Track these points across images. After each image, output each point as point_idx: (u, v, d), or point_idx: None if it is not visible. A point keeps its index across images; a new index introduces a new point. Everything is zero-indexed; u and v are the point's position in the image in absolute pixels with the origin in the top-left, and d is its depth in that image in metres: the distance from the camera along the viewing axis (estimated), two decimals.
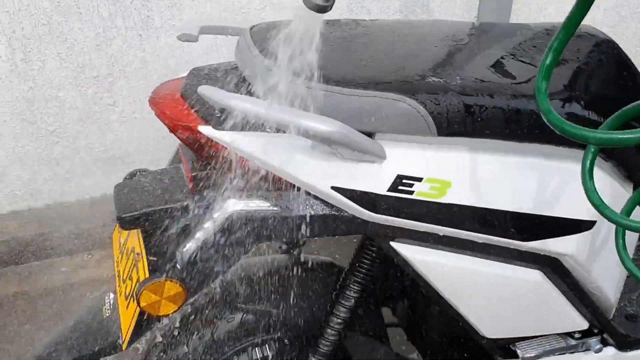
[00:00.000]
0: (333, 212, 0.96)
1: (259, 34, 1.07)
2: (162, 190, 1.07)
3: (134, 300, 1.03)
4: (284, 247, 1.37)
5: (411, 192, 0.95)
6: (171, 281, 0.96)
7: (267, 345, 1.31)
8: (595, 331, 1.22)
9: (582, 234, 1.03)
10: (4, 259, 2.30)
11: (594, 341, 1.22)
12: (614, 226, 1.08)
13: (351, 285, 1.13)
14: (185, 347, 1.24)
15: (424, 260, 1.01)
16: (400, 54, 1.06)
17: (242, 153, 0.94)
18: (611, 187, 1.07)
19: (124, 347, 1.04)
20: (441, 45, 1.11)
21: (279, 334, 1.29)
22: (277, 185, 0.97)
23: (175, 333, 1.26)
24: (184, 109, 1.00)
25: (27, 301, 2.11)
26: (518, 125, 0.97)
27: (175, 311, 1.00)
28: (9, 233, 2.30)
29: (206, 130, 0.94)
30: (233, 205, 0.97)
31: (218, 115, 0.95)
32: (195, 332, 1.24)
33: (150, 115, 2.38)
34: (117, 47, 2.22)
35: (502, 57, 1.07)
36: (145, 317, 1.01)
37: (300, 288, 1.25)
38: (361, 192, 0.94)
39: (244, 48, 1.03)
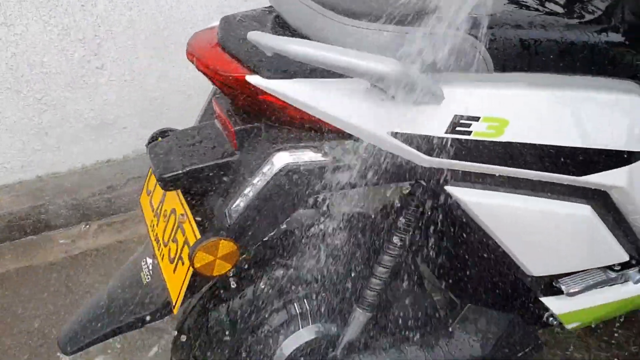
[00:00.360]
0: (388, 159, 0.94)
1: None
2: (202, 148, 1.02)
3: (182, 263, 1.00)
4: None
5: (469, 133, 0.92)
6: (225, 240, 0.93)
7: (305, 300, 1.30)
8: (634, 262, 1.24)
9: (632, 165, 1.03)
10: (1, 234, 2.22)
11: (633, 272, 1.24)
12: None
13: (397, 234, 1.12)
14: (224, 307, 1.22)
15: (479, 202, 1.00)
16: None
17: (293, 102, 0.89)
18: None
19: (175, 310, 1.01)
20: None
21: (316, 288, 1.28)
22: (329, 135, 0.94)
23: (214, 292, 1.24)
24: (226, 59, 0.95)
25: (31, 275, 2.05)
26: (571, 58, 0.95)
27: (229, 270, 0.97)
28: (2, 208, 2.21)
29: (255, 79, 0.89)
30: (283, 158, 0.93)
31: (265, 62, 0.90)
32: (235, 291, 1.21)
33: (140, 77, 2.30)
34: (103, 6, 2.12)
35: None
36: (198, 278, 0.98)
37: (335, 240, 1.23)
38: (419, 135, 0.91)
39: None
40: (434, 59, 0.89)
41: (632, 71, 1.01)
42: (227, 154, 1.00)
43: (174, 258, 1.04)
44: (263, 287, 1.22)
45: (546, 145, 0.96)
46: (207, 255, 0.93)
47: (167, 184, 0.98)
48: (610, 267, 1.23)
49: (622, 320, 1.73)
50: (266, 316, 1.28)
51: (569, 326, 1.34)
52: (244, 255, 0.99)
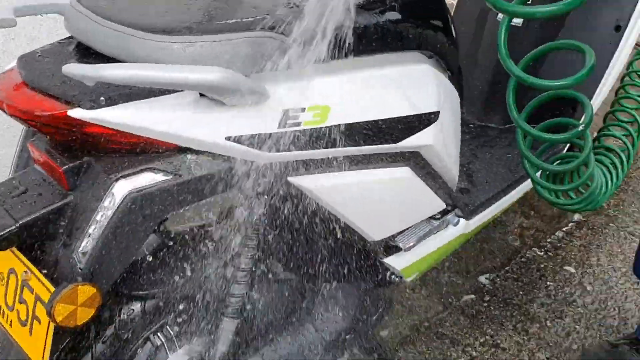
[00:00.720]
0: (229, 165, 0.96)
1: (88, 1, 0.99)
2: (30, 197, 0.96)
3: (39, 322, 0.93)
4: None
5: (299, 124, 0.98)
6: (82, 285, 0.88)
7: (167, 327, 1.27)
8: (449, 209, 1.41)
9: (434, 124, 1.18)
10: None
11: (450, 217, 1.41)
12: (452, 109, 1.25)
13: (251, 235, 1.15)
14: (90, 355, 1.15)
15: (319, 185, 1.06)
16: None
17: (124, 127, 0.88)
18: (446, 81, 1.23)
19: None
20: None
21: (177, 311, 1.26)
22: (166, 154, 0.94)
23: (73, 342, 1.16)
24: (39, 97, 0.89)
25: None
26: (367, 40, 1.05)
27: (93, 315, 0.92)
28: None
29: (78, 113, 0.86)
30: (124, 187, 0.91)
31: (84, 94, 0.87)
32: (97, 334, 1.15)
33: None
34: None
35: None
36: (61, 332, 0.92)
37: (186, 260, 1.22)
38: (255, 135, 0.95)
39: (79, 16, 0.95)
40: (250, 63, 0.93)
41: (417, 43, 1.15)
42: (60, 196, 0.94)
43: (26, 320, 0.96)
44: (120, 326, 1.17)
45: (364, 122, 1.06)
46: (67, 305, 0.88)
47: (1, 243, 0.90)
48: (432, 217, 1.38)
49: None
50: (131, 355, 1.23)
51: (409, 279, 1.49)
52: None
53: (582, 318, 1.79)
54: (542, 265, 1.98)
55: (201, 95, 0.92)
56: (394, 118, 1.09)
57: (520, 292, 1.88)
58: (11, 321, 0.99)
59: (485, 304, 1.85)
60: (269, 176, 1.01)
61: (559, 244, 2.06)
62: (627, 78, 2.14)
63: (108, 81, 0.81)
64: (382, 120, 1.08)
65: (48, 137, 0.95)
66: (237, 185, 0.99)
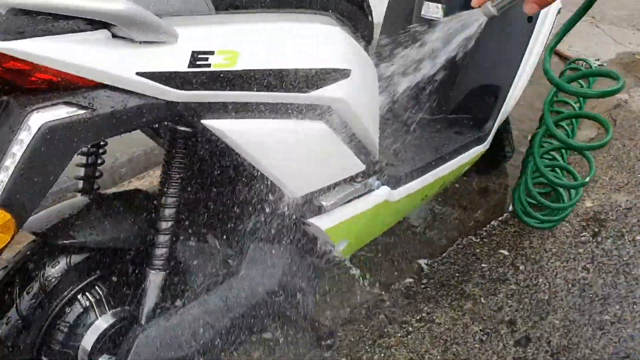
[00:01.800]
0: (143, 101, 1.02)
1: None
2: None
3: None
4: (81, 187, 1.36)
5: (208, 65, 1.05)
6: None
7: (96, 286, 1.30)
8: (371, 172, 1.48)
9: (345, 80, 1.26)
10: None
11: (372, 180, 1.48)
12: (365, 72, 1.34)
13: (172, 182, 1.20)
14: (15, 311, 1.17)
15: (233, 129, 1.12)
16: None
17: (40, 60, 0.93)
18: (357, 44, 1.32)
19: None
20: None
21: (100, 273, 1.29)
22: (81, 89, 0.99)
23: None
24: None
25: None
26: None
27: (8, 244, 0.96)
28: None
29: None
30: (39, 119, 0.96)
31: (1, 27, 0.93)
32: (22, 289, 1.17)
33: None
34: None
35: None
36: None
37: (114, 219, 1.26)
38: (165, 72, 1.01)
39: None
40: (161, 5, 1.01)
41: (326, 5, 1.24)
42: None
43: None
44: (45, 281, 1.20)
45: (274, 69, 1.13)
46: None
47: None
48: (354, 180, 1.45)
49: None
50: (60, 314, 1.25)
51: (338, 247, 1.54)
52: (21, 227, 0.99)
53: (514, 294, 1.86)
54: (478, 250, 2.05)
55: (113, 36, 0.99)
56: (303, 69, 1.17)
57: (457, 275, 1.94)
58: None
59: (423, 286, 1.90)
60: (184, 116, 1.08)
61: (494, 232, 2.14)
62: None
63: (18, 6, 0.88)
64: (291, 69, 1.15)
65: None
66: (151, 122, 1.05)
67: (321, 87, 1.21)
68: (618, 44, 3.55)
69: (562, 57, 3.26)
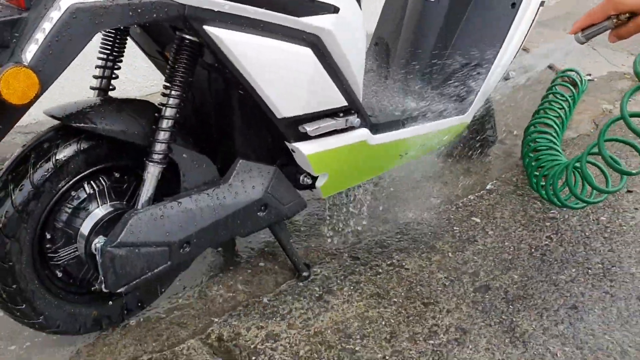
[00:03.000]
0: None
1: None
2: None
3: None
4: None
5: None
6: (25, 68, 1.10)
7: (101, 178, 1.48)
8: (352, 112, 1.66)
9: (332, 15, 1.44)
10: None
11: (353, 118, 1.65)
12: (353, 14, 1.52)
13: (174, 85, 1.38)
14: (28, 180, 1.34)
15: (230, 38, 1.31)
16: None
17: None
18: None
19: None
20: None
21: (106, 165, 1.46)
22: None
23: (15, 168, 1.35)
24: None
25: None
26: None
27: (32, 101, 1.14)
28: None
29: None
30: (68, 1, 1.15)
31: None
32: (36, 163, 1.35)
33: None
34: None
35: None
36: (5, 109, 1.13)
37: (123, 115, 1.43)
38: None
39: None
40: None
41: None
42: (17, 12, 1.18)
43: None
44: (58, 160, 1.37)
45: None
46: (12, 81, 1.09)
47: None
48: (336, 115, 1.63)
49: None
50: (66, 196, 1.43)
51: (319, 181, 1.71)
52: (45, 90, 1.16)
53: (480, 252, 2.01)
54: (452, 217, 2.21)
55: None
56: None
57: (430, 233, 2.10)
58: None
59: (397, 240, 2.06)
60: (189, 20, 1.26)
61: (469, 203, 2.30)
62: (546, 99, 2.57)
63: None
64: None
65: None
66: (162, 20, 1.24)
67: (310, 15, 1.40)
68: (611, 65, 3.74)
69: (554, 70, 3.45)
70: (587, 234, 2.13)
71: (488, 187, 2.42)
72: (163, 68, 1.66)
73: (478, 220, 2.20)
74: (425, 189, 2.38)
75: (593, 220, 2.21)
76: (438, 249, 2.02)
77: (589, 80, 3.45)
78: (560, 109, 2.56)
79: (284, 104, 1.48)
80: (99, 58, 1.53)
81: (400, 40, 2.25)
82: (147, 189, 1.42)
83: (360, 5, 1.59)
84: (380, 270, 1.90)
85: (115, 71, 1.55)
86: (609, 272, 1.92)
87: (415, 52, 2.21)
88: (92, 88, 1.56)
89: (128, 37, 1.59)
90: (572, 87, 2.87)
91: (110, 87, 1.56)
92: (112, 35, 1.53)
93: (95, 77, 1.55)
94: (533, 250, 2.03)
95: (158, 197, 1.45)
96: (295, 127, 1.55)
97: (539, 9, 2.18)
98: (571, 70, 3.07)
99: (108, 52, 1.52)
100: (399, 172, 2.46)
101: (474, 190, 2.40)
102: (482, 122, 2.47)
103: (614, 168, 1.88)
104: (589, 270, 1.93)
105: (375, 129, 1.76)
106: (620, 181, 2.09)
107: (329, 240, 2.03)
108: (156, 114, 1.44)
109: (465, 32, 2.14)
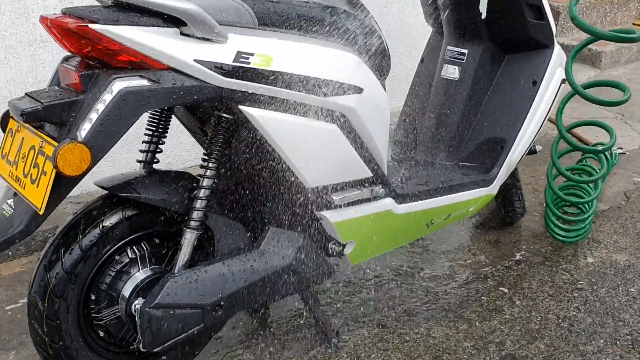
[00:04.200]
0: (196, 82, 1.36)
1: None
2: (53, 93, 1.35)
3: (45, 174, 1.29)
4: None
5: (248, 62, 1.40)
6: (80, 144, 1.25)
7: (142, 243, 1.60)
8: (378, 182, 1.76)
9: (356, 95, 1.57)
10: None
11: (378, 188, 1.75)
12: (376, 94, 1.65)
13: (212, 158, 1.51)
14: (78, 245, 1.47)
15: (263, 116, 1.45)
16: None
17: (128, 41, 1.29)
18: (372, 73, 1.64)
19: (41, 211, 1.27)
20: None
21: (147, 232, 1.59)
22: (152, 68, 1.34)
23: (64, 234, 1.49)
24: (70, 18, 1.33)
25: None
26: (307, 25, 1.50)
27: (84, 173, 1.27)
28: None
29: (96, 26, 1.28)
30: (120, 85, 1.30)
31: (101, 15, 1.30)
32: (85, 229, 1.48)
33: None
34: None
35: None
36: (60, 180, 1.27)
37: (165, 185, 1.57)
38: (215, 62, 1.36)
39: None
40: (219, 16, 1.37)
41: (348, 39, 1.58)
42: (75, 95, 1.34)
43: (36, 179, 1.31)
44: (104, 227, 1.50)
45: (299, 74, 1.46)
46: (67, 155, 1.24)
47: (28, 115, 1.28)
48: (362, 185, 1.73)
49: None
50: (110, 259, 1.55)
51: (347, 249, 1.80)
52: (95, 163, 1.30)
53: (507, 322, 2.03)
54: (480, 286, 2.24)
55: (181, 33, 1.35)
56: (324, 79, 1.50)
57: (457, 303, 2.14)
58: (25, 184, 1.34)
59: (425, 308, 2.11)
60: (226, 100, 1.41)
61: (497, 274, 2.34)
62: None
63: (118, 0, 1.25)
64: (313, 77, 1.49)
65: (73, 50, 1.37)
66: (202, 102, 1.39)
67: (336, 95, 1.53)
68: None
69: (586, 143, 3.50)
70: (616, 305, 2.13)
71: (517, 257, 2.45)
72: (203, 142, 1.81)
73: (506, 290, 2.23)
74: (455, 258, 2.43)
75: (622, 291, 2.21)
76: (465, 318, 2.05)
77: (620, 153, 3.49)
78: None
79: (313, 175, 1.59)
80: (146, 134, 1.68)
81: (427, 115, 2.36)
82: (184, 254, 1.53)
83: (384, 86, 1.72)
84: (407, 339, 1.94)
85: (160, 146, 1.70)
86: (637, 344, 1.92)
87: (441, 126, 2.32)
88: (139, 161, 1.70)
89: (172, 115, 1.75)
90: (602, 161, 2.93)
91: (155, 160, 1.70)
92: (158, 113, 1.69)
93: (141, 151, 1.70)
94: (560, 320, 2.05)
95: (194, 259, 1.56)
96: (322, 196, 1.66)
97: (560, 85, 2.28)
98: (601, 144, 3.14)
99: (154, 128, 1.67)
100: (427, 241, 2.52)
101: (502, 260, 2.44)
102: (510, 195, 2.54)
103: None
104: (617, 342, 1.94)
105: (400, 198, 1.85)
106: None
107: (358, 307, 2.09)
108: (194, 184, 1.57)
109: (488, 108, 2.25)
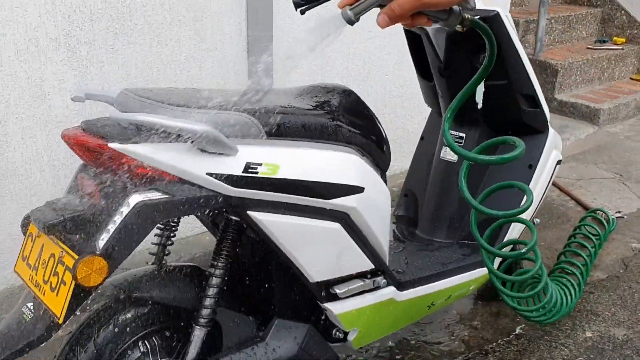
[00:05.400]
0: (208, 193, 1.45)
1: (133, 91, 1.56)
2: (75, 204, 1.44)
3: (64, 284, 1.37)
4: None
5: (256, 172, 1.49)
6: (97, 257, 1.33)
7: (154, 337, 1.66)
8: (380, 272, 1.83)
9: (358, 195, 1.66)
10: None
11: (379, 279, 1.82)
12: (377, 190, 1.73)
13: (221, 258, 1.59)
14: (93, 343, 1.54)
15: (270, 220, 1.53)
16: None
17: (144, 158, 1.39)
18: (372, 171, 1.73)
19: (60, 320, 1.35)
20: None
21: (158, 326, 1.66)
22: (166, 181, 1.43)
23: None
24: (90, 137, 1.43)
25: None
26: (310, 131, 1.59)
27: (101, 283, 1.35)
28: None
29: (115, 145, 1.38)
30: (136, 198, 1.39)
31: (119, 135, 1.40)
32: (100, 327, 1.55)
33: None
34: None
35: (295, 97, 1.70)
36: (79, 292, 1.35)
37: (175, 282, 1.65)
38: (225, 174, 1.45)
39: (129, 97, 1.52)
40: (230, 130, 1.46)
41: (348, 139, 1.68)
42: (93, 206, 1.43)
43: (56, 287, 1.39)
44: (118, 325, 1.58)
45: (303, 180, 1.55)
46: (86, 268, 1.32)
47: (50, 228, 1.37)
48: (364, 276, 1.80)
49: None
50: (124, 354, 1.61)
51: (350, 335, 1.86)
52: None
53: None
54: None
55: (195, 147, 1.44)
56: (326, 182, 1.59)
57: None
58: (45, 291, 1.42)
59: None
60: (236, 207, 1.49)
61: (498, 349, 2.39)
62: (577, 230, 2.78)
63: (139, 123, 1.35)
64: (317, 181, 1.57)
65: (92, 164, 1.46)
66: (212, 208, 1.48)
67: (339, 197, 1.62)
68: None
69: (585, 207, 3.58)
70: None
71: (517, 331, 2.51)
72: (215, 234, 1.89)
73: None
74: (455, 332, 2.49)
75: None
76: None
77: (618, 217, 3.55)
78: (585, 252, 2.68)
79: (316, 270, 1.66)
80: (157, 232, 1.76)
81: (427, 193, 2.44)
82: (194, 350, 1.60)
83: (385, 179, 1.80)
84: None
85: (172, 238, 1.78)
86: None
87: (441, 206, 2.40)
88: (151, 253, 1.78)
89: None
90: (598, 228, 2.99)
91: (166, 252, 1.78)
92: None
93: (153, 243, 1.78)
94: None
95: (203, 352, 1.63)
96: (326, 289, 1.73)
97: (555, 167, 2.37)
98: (599, 209, 3.21)
99: (164, 227, 1.76)
100: (429, 316, 2.58)
101: (502, 334, 2.49)
102: (511, 267, 2.60)
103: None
104: None
105: (402, 286, 1.92)
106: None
107: None
108: (203, 282, 1.64)
109: (486, 189, 2.33)
